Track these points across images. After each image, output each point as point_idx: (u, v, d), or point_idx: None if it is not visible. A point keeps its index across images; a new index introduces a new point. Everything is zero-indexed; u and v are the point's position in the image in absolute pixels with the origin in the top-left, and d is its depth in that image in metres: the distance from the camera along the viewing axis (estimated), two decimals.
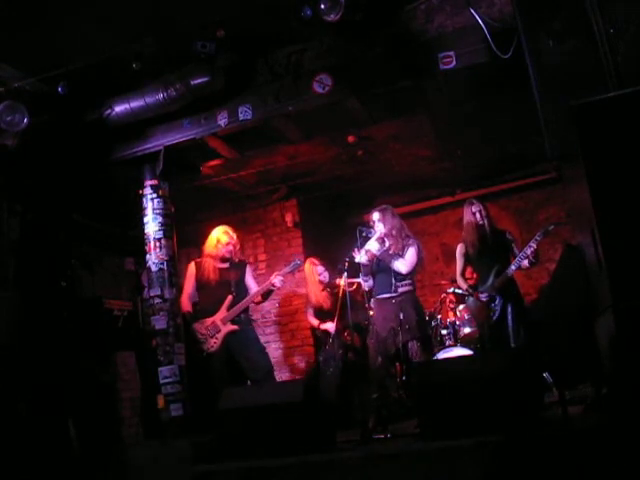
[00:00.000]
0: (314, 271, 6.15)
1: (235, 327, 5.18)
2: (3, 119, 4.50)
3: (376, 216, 4.81)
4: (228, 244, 5.37)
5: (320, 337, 6.18)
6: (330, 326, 5.84)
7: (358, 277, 5.18)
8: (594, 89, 3.09)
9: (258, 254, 7.41)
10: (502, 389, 3.24)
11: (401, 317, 4.53)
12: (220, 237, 5.39)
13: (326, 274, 6.07)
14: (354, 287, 5.52)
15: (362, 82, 4.57)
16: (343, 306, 5.75)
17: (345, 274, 4.84)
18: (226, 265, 5.38)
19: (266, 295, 5.45)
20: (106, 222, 6.40)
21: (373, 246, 4.70)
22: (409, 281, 4.72)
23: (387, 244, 4.71)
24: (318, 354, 6.22)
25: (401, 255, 4.68)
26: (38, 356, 4.72)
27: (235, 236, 5.48)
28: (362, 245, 4.74)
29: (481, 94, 5.06)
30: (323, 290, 6.05)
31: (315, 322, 6.09)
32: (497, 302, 5.09)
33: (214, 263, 5.36)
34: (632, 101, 2.79)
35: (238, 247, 5.53)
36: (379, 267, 4.74)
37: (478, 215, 5.22)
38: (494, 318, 5.06)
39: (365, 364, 4.99)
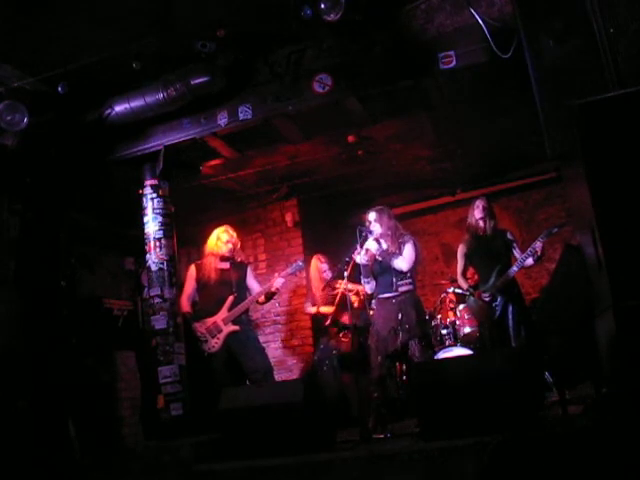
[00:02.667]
0: (318, 268, 6.18)
1: (237, 327, 5.19)
2: (3, 119, 4.50)
3: (372, 216, 4.80)
4: (228, 242, 5.40)
5: (320, 330, 6.20)
6: (328, 310, 5.88)
7: (359, 282, 5.19)
8: (594, 89, 3.09)
9: (258, 254, 7.41)
10: (502, 389, 3.24)
11: (400, 317, 4.54)
12: (220, 235, 5.43)
13: (329, 272, 6.09)
14: (353, 292, 5.53)
15: (362, 82, 4.56)
16: (339, 306, 5.79)
17: (345, 276, 4.84)
18: (227, 265, 5.39)
19: (269, 296, 5.48)
20: (106, 221, 6.40)
21: (372, 245, 4.70)
22: (409, 280, 4.72)
23: (384, 244, 4.72)
24: (314, 353, 6.23)
25: (399, 253, 4.68)
26: (38, 356, 4.73)
27: (235, 235, 5.51)
28: (362, 245, 4.74)
29: (481, 94, 5.05)
30: (323, 289, 6.07)
31: (313, 309, 6.12)
32: (498, 302, 5.09)
33: (215, 262, 5.37)
34: (632, 101, 2.79)
35: (238, 246, 5.56)
36: (380, 268, 4.74)
37: (483, 214, 5.21)
38: (495, 318, 5.06)
39: (363, 364, 4.99)
